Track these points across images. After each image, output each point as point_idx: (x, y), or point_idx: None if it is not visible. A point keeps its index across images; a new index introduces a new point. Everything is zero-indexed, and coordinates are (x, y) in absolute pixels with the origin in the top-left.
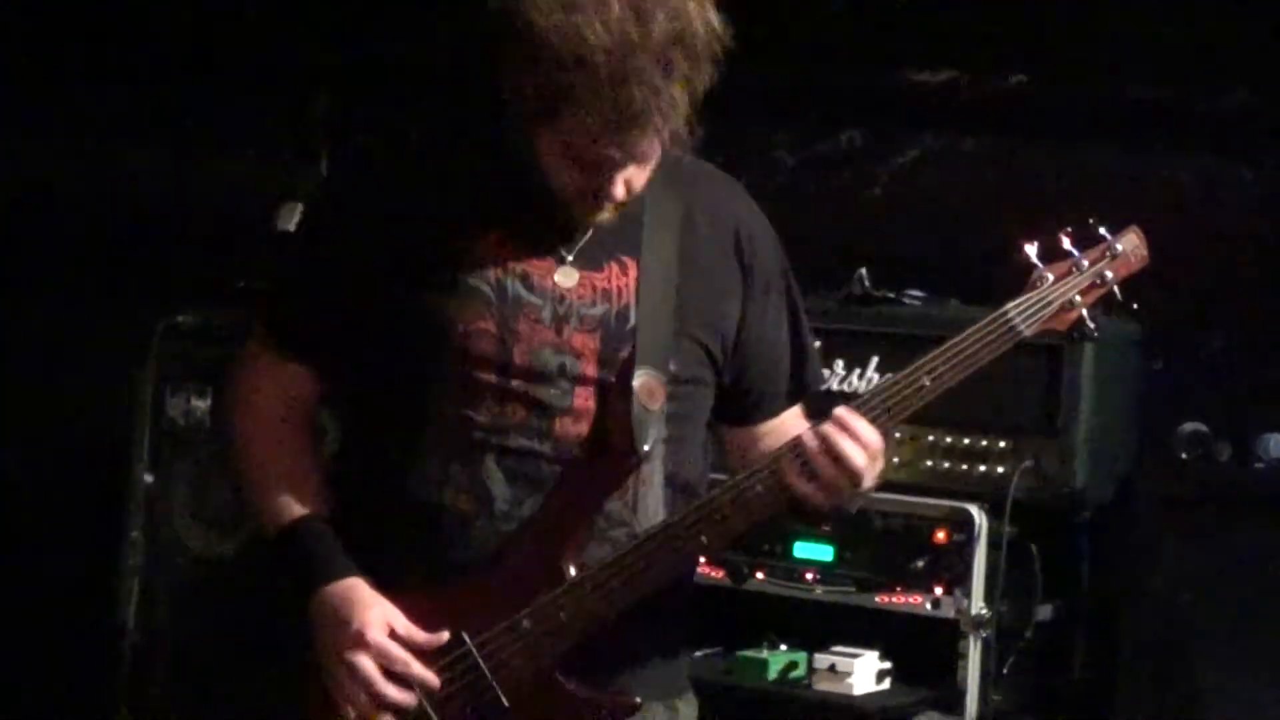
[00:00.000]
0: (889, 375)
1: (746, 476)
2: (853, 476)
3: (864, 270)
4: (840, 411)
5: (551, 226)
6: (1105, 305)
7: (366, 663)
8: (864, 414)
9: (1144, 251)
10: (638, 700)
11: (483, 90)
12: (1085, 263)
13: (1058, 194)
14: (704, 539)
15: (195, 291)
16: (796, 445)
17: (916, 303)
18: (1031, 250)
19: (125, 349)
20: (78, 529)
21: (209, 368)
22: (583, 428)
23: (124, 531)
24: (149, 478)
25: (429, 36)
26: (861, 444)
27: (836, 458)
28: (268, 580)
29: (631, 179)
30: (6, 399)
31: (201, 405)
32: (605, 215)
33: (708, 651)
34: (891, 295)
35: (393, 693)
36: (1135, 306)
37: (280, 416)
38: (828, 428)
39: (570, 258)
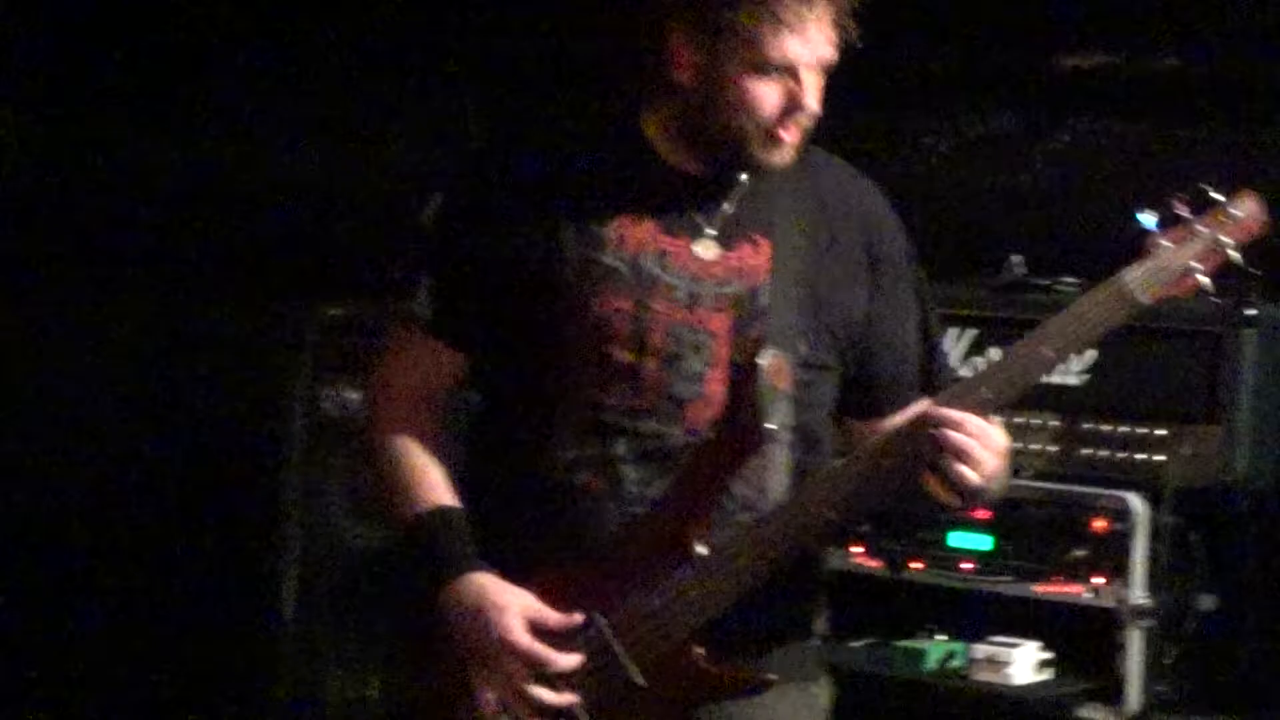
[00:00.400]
0: (1003, 350)
1: (873, 453)
2: (973, 462)
3: (1019, 257)
4: (935, 410)
5: (690, 204)
6: (1229, 272)
7: (517, 668)
8: (980, 390)
9: (1263, 216)
10: (773, 676)
11: (625, 72)
12: (1201, 228)
13: (1214, 177)
14: (832, 515)
15: (348, 284)
16: (910, 436)
17: (1072, 289)
18: (1147, 218)
19: (279, 342)
20: (235, 524)
21: (362, 360)
22: (713, 412)
23: (281, 525)
24: (304, 471)
25: (571, 26)
26: (967, 430)
27: (955, 451)
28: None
29: (814, 90)
30: (163, 394)
31: (355, 397)
32: (784, 155)
33: (864, 642)
34: (1046, 282)
35: (549, 697)
36: (1256, 273)
37: (418, 401)
38: (939, 431)
39: (709, 234)
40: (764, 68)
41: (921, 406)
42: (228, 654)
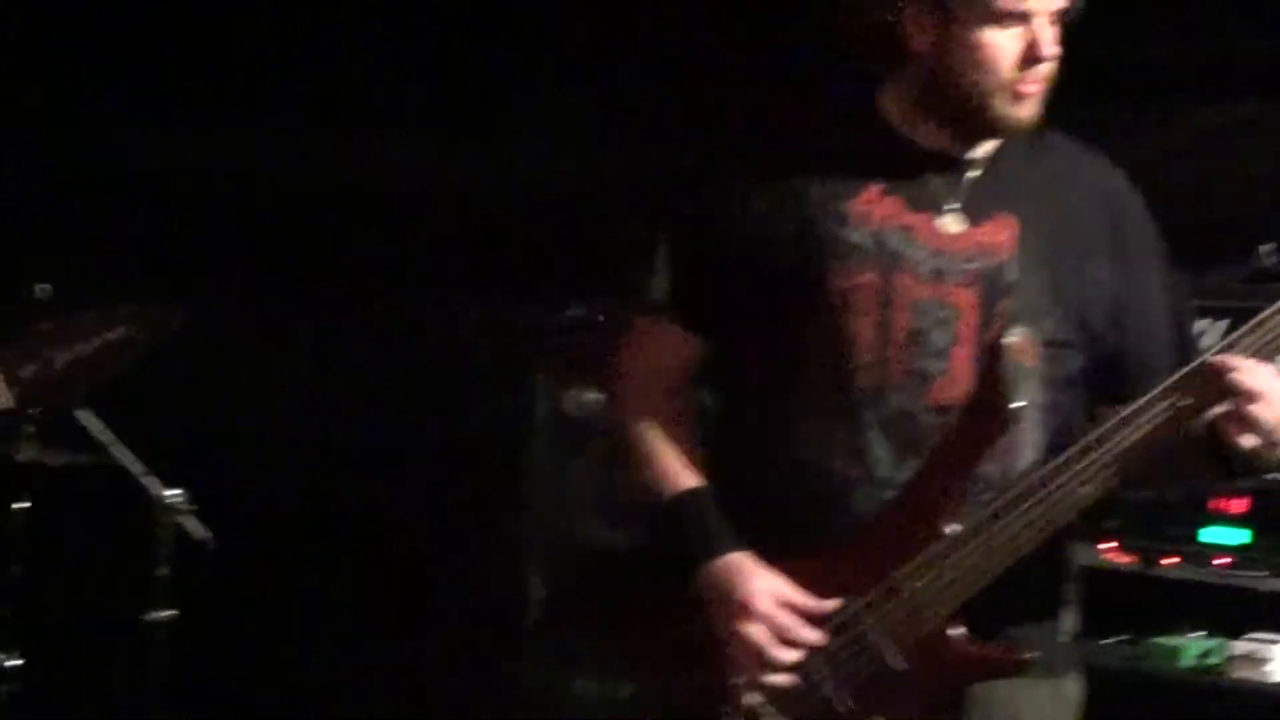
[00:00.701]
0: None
1: (1125, 422)
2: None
3: (1268, 245)
4: (1216, 358)
5: (933, 179)
6: None
7: (755, 631)
8: (1242, 350)
9: None
10: (1032, 654)
11: (860, 49)
12: None
13: None
14: (1085, 489)
15: (588, 284)
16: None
17: None
18: None
19: (520, 343)
20: (479, 524)
21: (603, 357)
22: (960, 389)
23: (524, 525)
24: (547, 470)
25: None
26: (1255, 373)
27: (1248, 394)
28: (666, 568)
29: (1050, 39)
30: (407, 397)
31: (595, 397)
32: (1028, 111)
33: (1118, 639)
34: None
35: (783, 656)
36: None
37: (662, 387)
38: (1229, 376)
39: (951, 208)
40: (999, 19)
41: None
42: (474, 655)
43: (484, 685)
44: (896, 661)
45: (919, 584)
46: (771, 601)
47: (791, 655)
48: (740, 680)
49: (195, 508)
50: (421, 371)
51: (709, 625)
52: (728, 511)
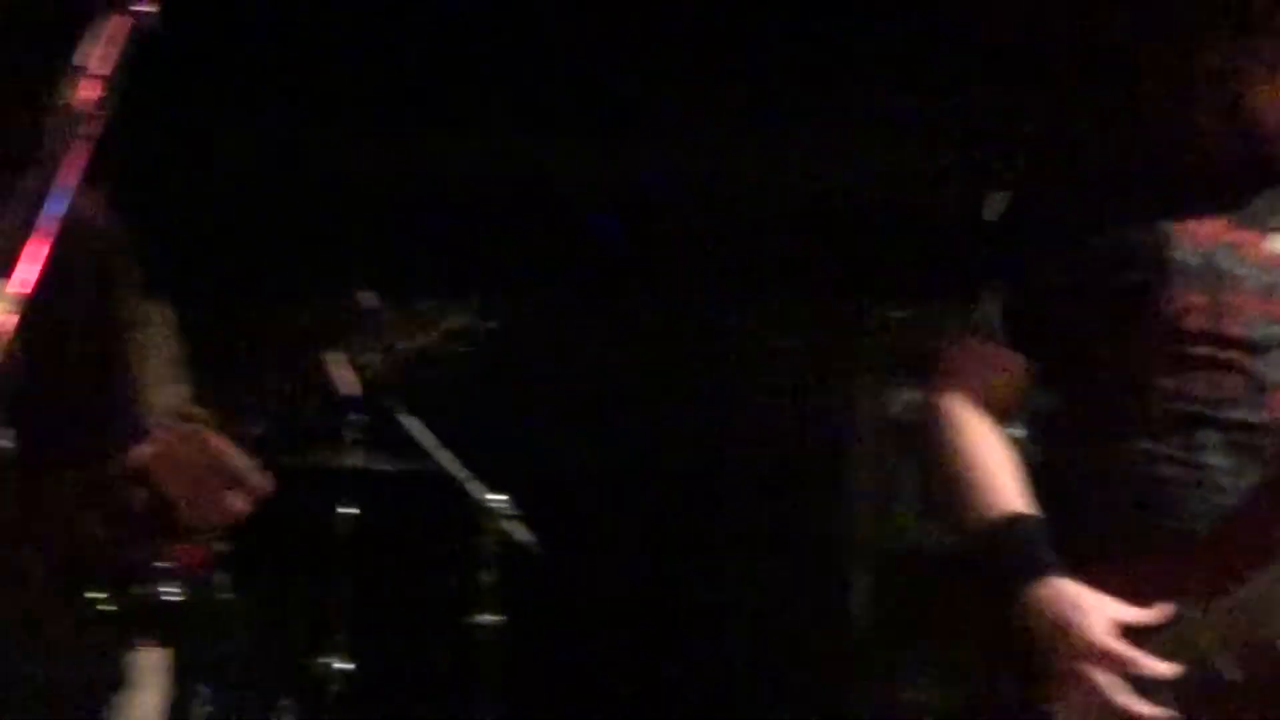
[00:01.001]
0: None
1: None
2: None
3: None
4: None
5: (1258, 198)
6: None
7: (1101, 674)
8: None
9: None
10: None
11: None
12: None
13: None
14: None
15: (911, 284)
16: None
17: None
18: None
19: (843, 343)
20: (806, 526)
21: (927, 361)
22: None
23: (851, 527)
24: (874, 472)
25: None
26: None
27: None
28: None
29: None
30: (733, 400)
31: (921, 398)
32: None
33: None
34: None
35: (1137, 705)
36: None
37: (984, 404)
38: None
39: (1276, 225)
40: (1232, 117)
41: None
42: (799, 657)
43: (810, 688)
44: (1230, 671)
45: (1259, 595)
46: (1107, 627)
47: (1142, 701)
48: (1070, 701)
49: (520, 513)
50: (743, 372)
51: (1036, 646)
52: (1060, 521)
